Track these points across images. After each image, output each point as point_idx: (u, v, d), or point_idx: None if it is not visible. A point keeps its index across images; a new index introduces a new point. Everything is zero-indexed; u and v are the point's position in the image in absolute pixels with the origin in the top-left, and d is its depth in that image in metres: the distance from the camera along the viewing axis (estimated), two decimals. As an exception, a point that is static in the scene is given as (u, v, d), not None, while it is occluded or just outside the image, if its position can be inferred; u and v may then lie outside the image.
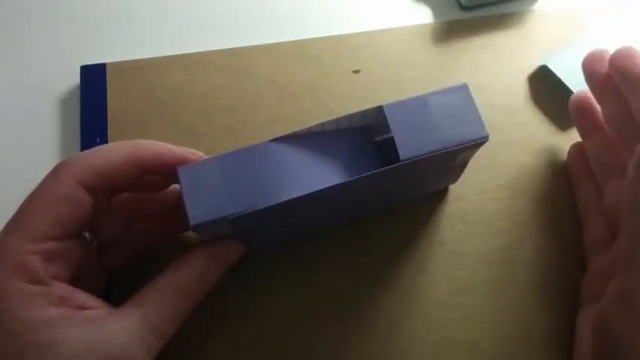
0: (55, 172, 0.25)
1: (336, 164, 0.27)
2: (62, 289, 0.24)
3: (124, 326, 0.23)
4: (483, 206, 0.34)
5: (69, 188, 0.24)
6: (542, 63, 0.37)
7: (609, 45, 0.37)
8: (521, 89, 0.38)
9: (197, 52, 0.38)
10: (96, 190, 0.25)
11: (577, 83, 0.36)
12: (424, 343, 0.31)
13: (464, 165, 0.31)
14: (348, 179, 0.25)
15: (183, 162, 0.26)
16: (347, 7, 0.41)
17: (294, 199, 0.24)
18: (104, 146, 0.26)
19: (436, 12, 0.41)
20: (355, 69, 0.38)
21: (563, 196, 0.35)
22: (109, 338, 0.22)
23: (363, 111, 0.27)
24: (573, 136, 0.36)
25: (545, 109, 0.37)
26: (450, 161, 0.28)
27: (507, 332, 0.31)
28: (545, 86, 0.37)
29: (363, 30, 0.39)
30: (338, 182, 0.25)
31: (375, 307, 0.31)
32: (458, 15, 0.40)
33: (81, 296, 0.24)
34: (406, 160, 0.25)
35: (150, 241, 0.30)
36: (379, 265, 0.32)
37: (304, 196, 0.24)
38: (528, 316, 0.32)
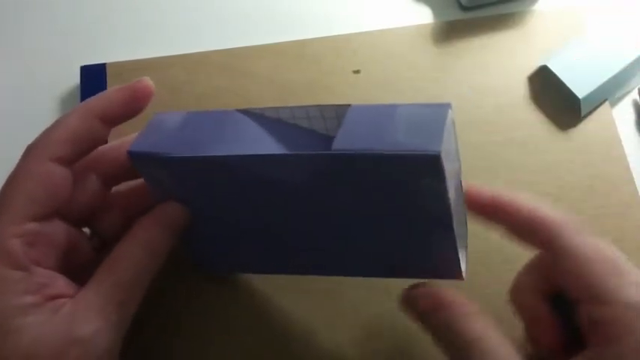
0: (24, 155, 0.25)
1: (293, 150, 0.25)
2: (43, 275, 0.24)
3: (82, 305, 0.24)
4: (483, 206, 0.34)
5: (39, 165, 0.25)
6: (542, 63, 0.37)
7: (609, 45, 0.37)
8: (521, 89, 0.37)
9: (197, 52, 0.38)
10: (67, 159, 0.25)
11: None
12: (424, 343, 0.31)
13: (438, 224, 0.24)
14: (280, 152, 0.24)
15: (136, 94, 0.27)
16: (347, 7, 0.41)
17: (225, 157, 0.24)
18: (60, 117, 0.26)
19: (436, 12, 0.41)
20: (355, 69, 0.38)
21: (564, 196, 0.35)
22: (70, 320, 0.23)
23: (333, 106, 0.26)
24: (573, 136, 0.36)
25: (545, 108, 0.37)
26: (406, 195, 0.24)
27: (507, 332, 0.31)
28: (545, 86, 0.37)
29: (363, 30, 0.39)
30: (270, 152, 0.24)
31: (375, 307, 0.31)
32: (458, 15, 0.40)
33: (62, 282, 0.25)
34: (338, 151, 0.23)
35: None
36: (379, 265, 0.32)
37: (235, 157, 0.24)
38: (528, 316, 0.32)
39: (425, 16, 0.41)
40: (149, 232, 0.26)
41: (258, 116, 0.27)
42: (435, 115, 0.23)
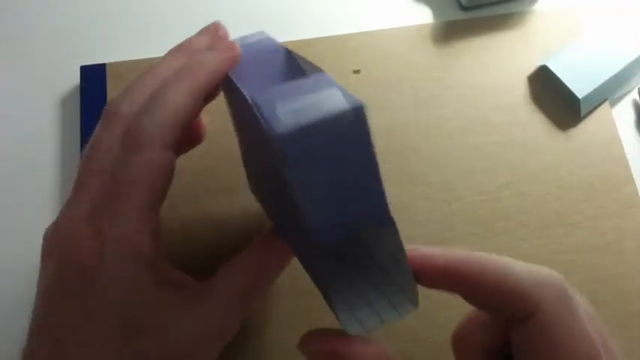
0: (136, 144, 0.23)
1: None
2: (165, 269, 0.24)
3: (218, 304, 0.23)
4: (483, 206, 0.34)
5: (159, 154, 0.23)
6: (542, 63, 0.37)
7: (608, 45, 0.37)
8: (521, 89, 0.38)
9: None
10: (176, 144, 0.24)
11: (577, 83, 0.36)
12: (424, 344, 0.31)
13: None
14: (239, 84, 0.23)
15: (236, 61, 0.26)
16: (347, 7, 0.41)
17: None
18: (163, 88, 0.24)
19: (436, 12, 0.41)
20: (355, 69, 0.38)
21: (563, 196, 0.35)
22: (207, 317, 0.23)
23: (316, 69, 0.25)
24: (573, 136, 0.36)
25: (545, 109, 0.37)
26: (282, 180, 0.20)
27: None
28: (545, 86, 0.37)
29: (363, 30, 0.39)
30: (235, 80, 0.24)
31: (375, 307, 0.32)
32: (458, 15, 0.40)
33: (176, 274, 0.24)
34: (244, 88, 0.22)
35: None
36: (379, 265, 0.32)
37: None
38: (528, 316, 0.32)
39: (425, 16, 0.41)
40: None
41: (294, 59, 0.26)
42: (332, 107, 0.19)
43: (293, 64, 0.27)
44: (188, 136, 0.28)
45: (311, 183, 0.19)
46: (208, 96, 0.26)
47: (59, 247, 0.23)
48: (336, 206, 0.19)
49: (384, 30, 0.39)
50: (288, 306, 0.32)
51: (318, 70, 0.24)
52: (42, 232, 0.24)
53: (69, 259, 0.22)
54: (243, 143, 0.29)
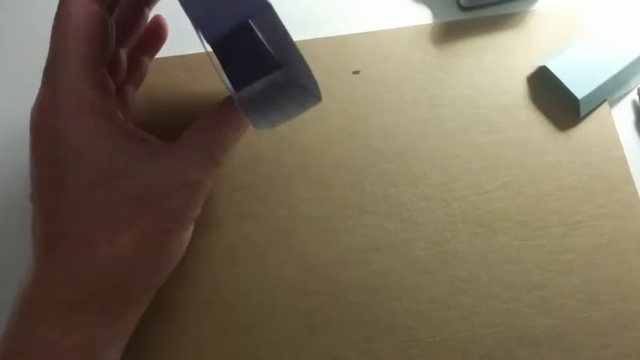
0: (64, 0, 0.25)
1: None
2: (124, 122, 0.24)
3: (182, 155, 0.24)
4: (483, 206, 0.34)
5: (89, 8, 0.24)
6: (542, 63, 0.37)
7: (608, 45, 0.37)
8: (521, 89, 0.38)
9: (198, 53, 0.38)
10: (104, 2, 0.25)
11: (576, 84, 0.36)
12: (424, 343, 0.31)
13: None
14: None
15: None
16: (347, 7, 0.41)
17: None
18: None
19: (436, 12, 0.41)
20: (355, 69, 0.38)
21: (564, 196, 0.35)
22: (174, 166, 0.24)
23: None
24: (573, 137, 0.36)
25: (545, 109, 0.37)
26: None
27: (507, 332, 0.31)
28: (545, 87, 0.37)
29: (363, 30, 0.39)
30: None
31: (375, 307, 0.32)
32: (457, 15, 0.41)
33: (138, 130, 0.25)
34: None
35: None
36: (378, 266, 0.32)
37: None
38: (528, 316, 0.32)
39: (424, 17, 0.41)
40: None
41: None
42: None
43: None
44: (150, 37, 0.31)
45: None
46: None
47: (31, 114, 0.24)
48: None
49: (384, 30, 0.39)
50: (287, 306, 0.32)
51: None
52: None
53: (34, 121, 0.24)
54: None
